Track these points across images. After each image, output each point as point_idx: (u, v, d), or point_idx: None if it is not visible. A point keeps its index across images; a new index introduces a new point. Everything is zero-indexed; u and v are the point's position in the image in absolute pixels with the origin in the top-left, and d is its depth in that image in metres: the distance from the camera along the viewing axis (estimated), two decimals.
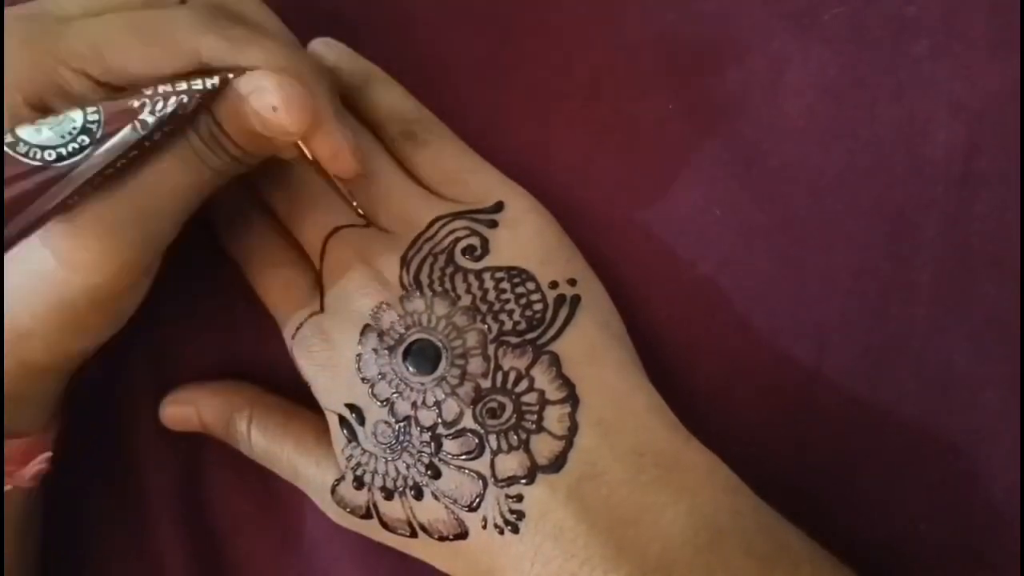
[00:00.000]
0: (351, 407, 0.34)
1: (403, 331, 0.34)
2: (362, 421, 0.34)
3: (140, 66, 0.30)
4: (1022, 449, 0.32)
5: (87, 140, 0.28)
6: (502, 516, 0.32)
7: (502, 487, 0.32)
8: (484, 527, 0.32)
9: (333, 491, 0.35)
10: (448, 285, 0.34)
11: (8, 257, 0.30)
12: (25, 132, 0.28)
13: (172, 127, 0.30)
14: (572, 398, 0.32)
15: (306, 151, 0.33)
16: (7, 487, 0.35)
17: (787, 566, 0.30)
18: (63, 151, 0.28)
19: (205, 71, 0.30)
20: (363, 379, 0.34)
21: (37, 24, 0.30)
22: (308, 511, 0.38)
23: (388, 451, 0.33)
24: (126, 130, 0.29)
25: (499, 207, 0.36)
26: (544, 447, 0.32)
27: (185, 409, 0.39)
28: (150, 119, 0.29)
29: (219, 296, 0.40)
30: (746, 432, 0.33)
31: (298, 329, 0.36)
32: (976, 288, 0.33)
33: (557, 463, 0.31)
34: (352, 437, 0.34)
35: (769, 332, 0.35)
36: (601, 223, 0.37)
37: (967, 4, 0.34)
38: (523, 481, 0.31)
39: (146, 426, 0.40)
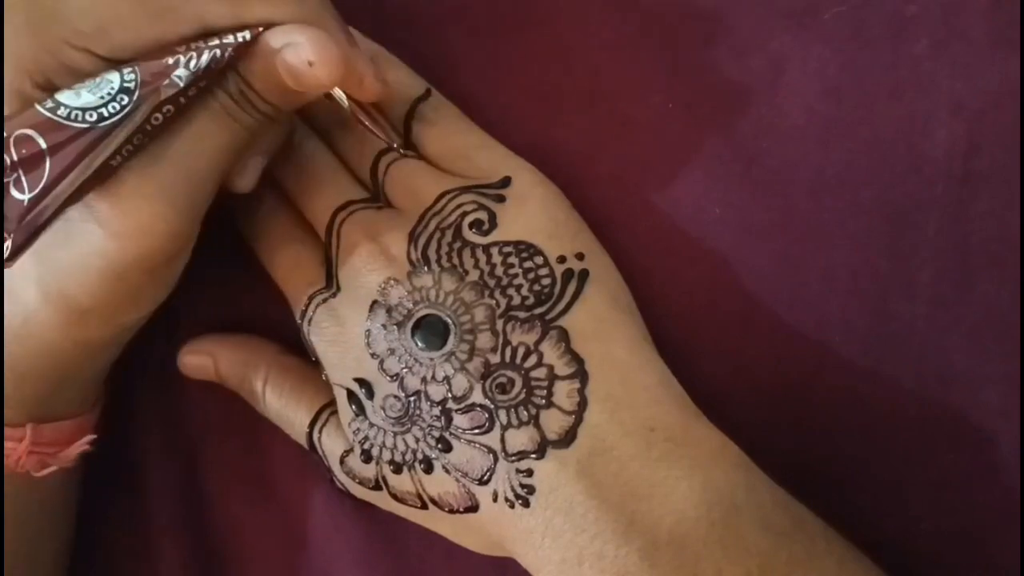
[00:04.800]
0: (360, 381, 0.34)
1: (411, 307, 0.34)
2: (371, 395, 0.34)
3: (146, 39, 0.30)
4: (1022, 448, 0.32)
5: (126, 99, 0.29)
6: (513, 490, 0.32)
7: (512, 461, 0.32)
8: (495, 500, 0.32)
9: (342, 462, 0.35)
10: (456, 260, 0.34)
11: (52, 239, 0.30)
12: (64, 96, 0.29)
13: (205, 82, 0.30)
14: (581, 373, 0.32)
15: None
16: (51, 469, 0.36)
17: (803, 541, 0.30)
18: (104, 111, 0.29)
19: (213, 35, 0.30)
20: (372, 354, 0.34)
21: (38, 5, 0.30)
22: (309, 512, 0.38)
23: (397, 425, 0.34)
24: (163, 85, 0.29)
25: (506, 182, 0.36)
26: (554, 422, 0.32)
27: (203, 359, 0.39)
28: (184, 73, 0.29)
29: (223, 274, 0.40)
30: (745, 431, 0.33)
31: (307, 305, 0.36)
32: (976, 287, 0.33)
33: (567, 438, 0.32)
34: (360, 411, 0.34)
35: (769, 331, 0.35)
36: (600, 222, 0.36)
37: (967, 3, 0.33)
38: (533, 456, 0.32)
39: (145, 424, 0.40)
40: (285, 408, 0.37)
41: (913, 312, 0.33)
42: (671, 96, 0.36)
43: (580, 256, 0.34)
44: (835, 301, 0.34)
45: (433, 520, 0.35)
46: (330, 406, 0.36)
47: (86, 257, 0.31)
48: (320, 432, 0.36)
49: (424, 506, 0.34)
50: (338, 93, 0.36)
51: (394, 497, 0.34)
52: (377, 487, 0.34)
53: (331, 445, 0.36)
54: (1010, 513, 0.32)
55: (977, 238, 0.33)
